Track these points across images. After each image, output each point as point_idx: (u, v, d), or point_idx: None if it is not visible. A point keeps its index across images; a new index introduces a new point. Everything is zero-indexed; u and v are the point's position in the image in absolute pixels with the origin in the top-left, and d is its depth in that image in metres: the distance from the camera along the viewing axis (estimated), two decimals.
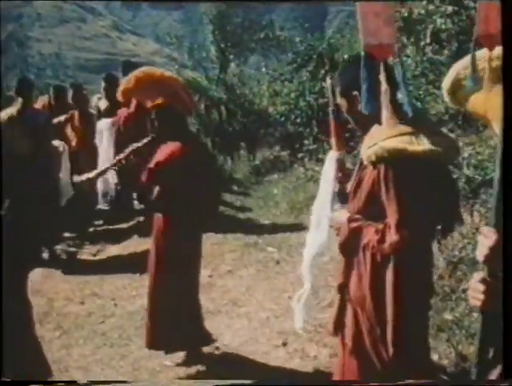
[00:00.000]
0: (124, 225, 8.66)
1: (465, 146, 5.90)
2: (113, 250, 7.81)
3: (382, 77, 2.64)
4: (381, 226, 2.69)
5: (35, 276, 6.79)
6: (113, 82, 8.52)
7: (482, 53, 2.01)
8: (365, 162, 2.78)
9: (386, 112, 2.65)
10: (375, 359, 2.89)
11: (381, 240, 2.67)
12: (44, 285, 6.55)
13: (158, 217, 4.64)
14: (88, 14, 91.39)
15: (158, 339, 4.72)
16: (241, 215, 8.97)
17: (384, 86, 2.63)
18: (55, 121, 7.35)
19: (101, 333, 5.49)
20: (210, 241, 7.64)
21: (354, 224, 2.82)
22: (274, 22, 13.43)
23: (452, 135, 5.29)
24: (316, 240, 3.33)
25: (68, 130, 7.60)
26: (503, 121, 1.84)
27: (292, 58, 11.81)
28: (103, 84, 8.56)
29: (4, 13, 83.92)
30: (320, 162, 9.75)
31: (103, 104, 8.23)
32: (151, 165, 4.48)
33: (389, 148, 2.61)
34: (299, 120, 11.03)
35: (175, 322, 4.61)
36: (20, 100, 7.13)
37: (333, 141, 3.29)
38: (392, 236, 2.63)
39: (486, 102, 1.92)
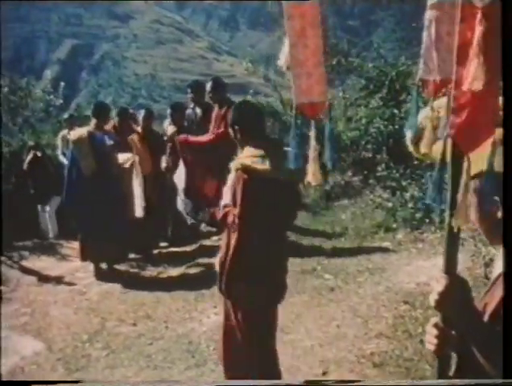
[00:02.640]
0: (188, 248, 8.83)
1: None
2: (173, 272, 7.93)
3: (312, 134, 2.86)
4: (236, 211, 4.00)
5: (92, 295, 7.05)
6: (179, 109, 8.87)
7: (442, 101, 2.00)
8: (231, 171, 4.09)
9: (313, 165, 2.89)
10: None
11: (234, 221, 4.00)
12: (100, 305, 6.77)
13: None
14: (185, 35, 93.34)
15: None
16: (304, 241, 8.86)
17: (313, 142, 2.85)
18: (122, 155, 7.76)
19: (146, 355, 5.60)
20: None
21: (226, 209, 4.13)
22: (349, 49, 13.43)
23: None
24: None
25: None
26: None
27: (365, 84, 11.76)
28: (169, 111, 8.89)
29: (99, 32, 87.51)
30: (389, 188, 9.63)
31: (170, 129, 8.49)
32: None
33: (242, 162, 3.96)
34: (369, 146, 10.98)
35: None
36: (94, 121, 7.52)
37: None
38: (236, 219, 3.99)
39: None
